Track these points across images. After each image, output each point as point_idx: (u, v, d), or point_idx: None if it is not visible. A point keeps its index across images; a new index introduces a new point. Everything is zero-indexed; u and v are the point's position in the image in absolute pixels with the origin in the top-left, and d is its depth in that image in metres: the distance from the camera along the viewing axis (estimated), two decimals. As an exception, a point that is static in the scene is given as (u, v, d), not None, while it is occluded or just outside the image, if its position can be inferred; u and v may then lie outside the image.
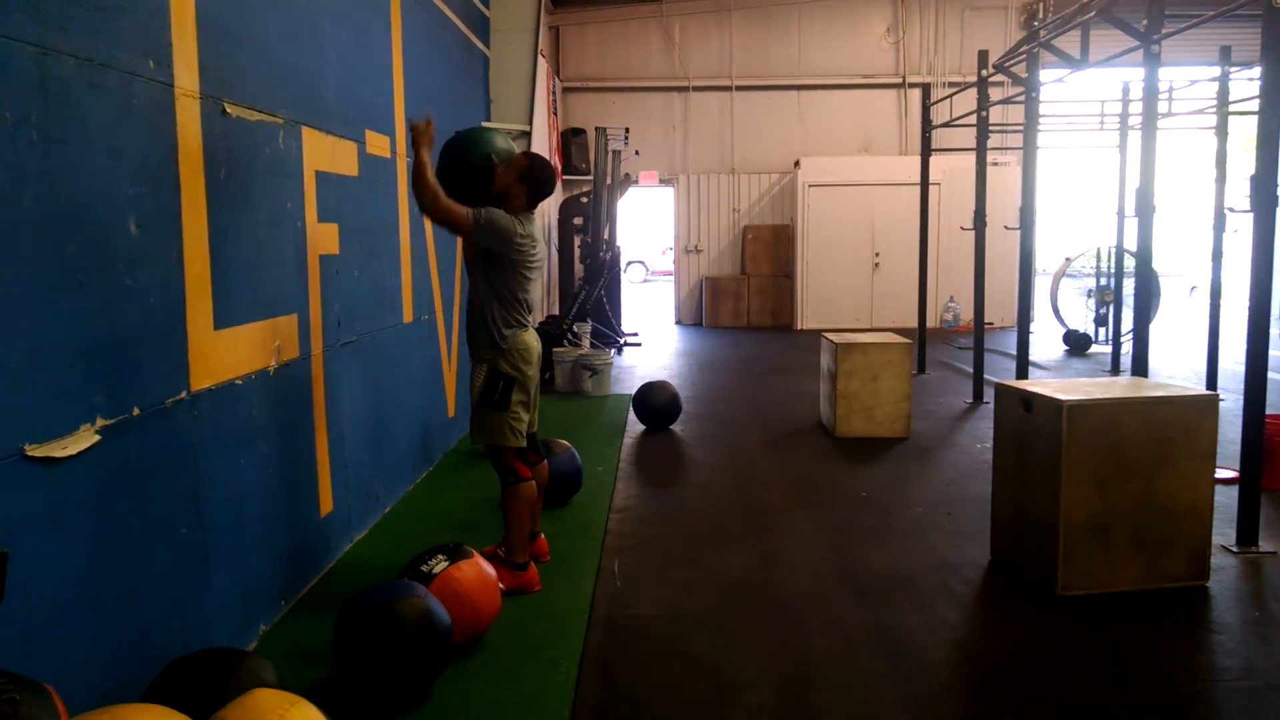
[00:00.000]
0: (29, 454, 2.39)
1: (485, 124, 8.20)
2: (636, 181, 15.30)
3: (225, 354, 3.46)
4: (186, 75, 3.19)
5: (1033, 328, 13.44)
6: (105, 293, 2.73)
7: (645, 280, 30.34)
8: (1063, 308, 13.38)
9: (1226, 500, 5.09)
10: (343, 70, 4.76)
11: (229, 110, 3.49)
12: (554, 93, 14.81)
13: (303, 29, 4.27)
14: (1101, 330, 12.32)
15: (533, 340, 4.29)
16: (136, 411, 2.87)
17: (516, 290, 4.19)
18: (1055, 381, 4.84)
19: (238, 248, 3.57)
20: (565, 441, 5.62)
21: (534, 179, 4.24)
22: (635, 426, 7.97)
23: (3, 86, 2.31)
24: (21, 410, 2.37)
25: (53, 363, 2.50)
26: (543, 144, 12.29)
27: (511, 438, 4.20)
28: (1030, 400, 4.38)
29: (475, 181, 4.21)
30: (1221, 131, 8.63)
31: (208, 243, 3.31)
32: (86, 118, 2.64)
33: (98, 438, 2.66)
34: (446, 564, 3.59)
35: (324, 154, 4.46)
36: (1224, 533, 4.84)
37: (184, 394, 3.16)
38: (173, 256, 3.11)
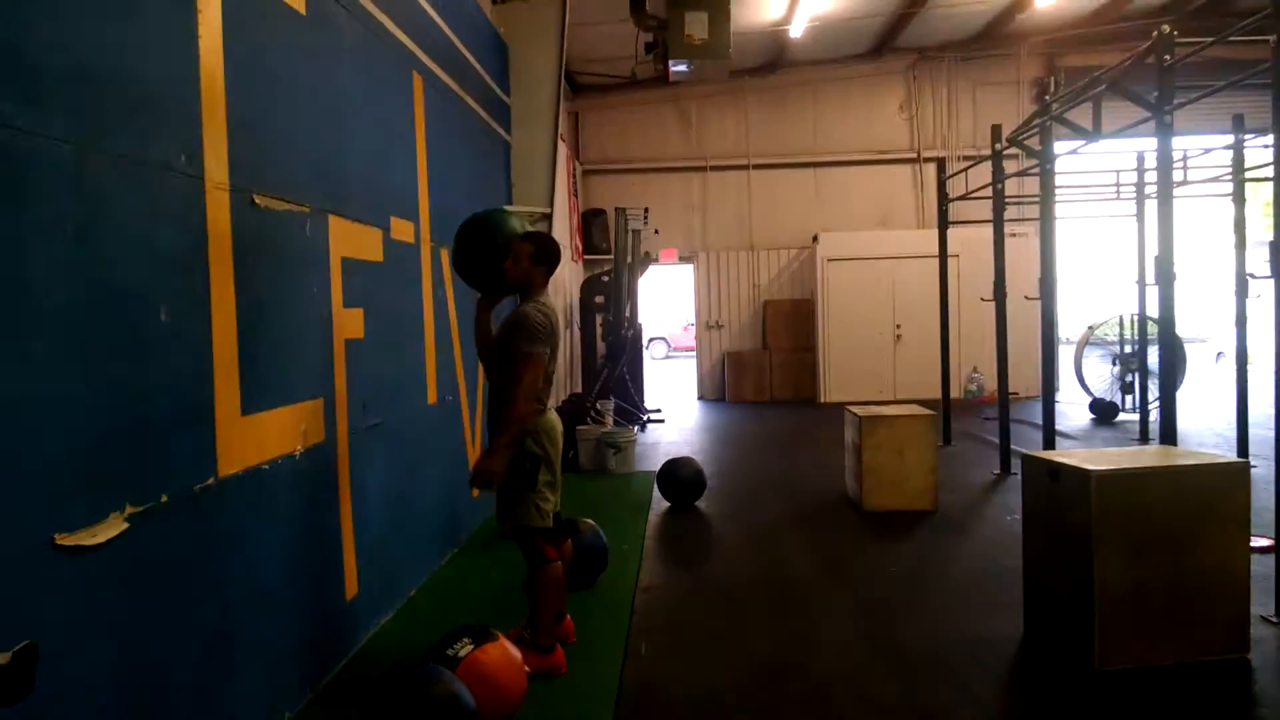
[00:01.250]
0: (59, 543, 2.41)
1: (506, 207, 8.35)
2: (657, 260, 15.47)
3: (252, 439, 3.49)
4: (217, 168, 3.28)
5: (1058, 397, 13.35)
6: (136, 381, 2.78)
7: (667, 356, 30.45)
8: (1088, 376, 13.29)
9: (1263, 569, 4.98)
10: (368, 158, 4.88)
11: (257, 201, 3.57)
12: (574, 175, 15.08)
13: (329, 120, 4.39)
14: (1128, 398, 12.22)
15: (556, 420, 4.33)
16: (165, 499, 2.89)
17: (543, 383, 4.25)
18: (1082, 451, 4.80)
19: (265, 334, 3.63)
20: (590, 520, 5.60)
21: (545, 257, 4.34)
22: (660, 503, 7.93)
23: (41, 184, 2.39)
24: (52, 498, 2.40)
25: (84, 451, 2.53)
26: (563, 225, 12.48)
27: (538, 518, 4.20)
28: (1058, 470, 4.34)
29: (496, 263, 4.31)
30: (1238, 198, 8.66)
31: (236, 329, 3.37)
32: (120, 212, 2.72)
33: (126, 525, 2.67)
34: (472, 647, 3.57)
35: (350, 241, 4.55)
36: (1263, 603, 4.73)
37: (212, 480, 3.19)
38: (202, 343, 3.17)
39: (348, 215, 4.53)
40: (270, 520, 3.65)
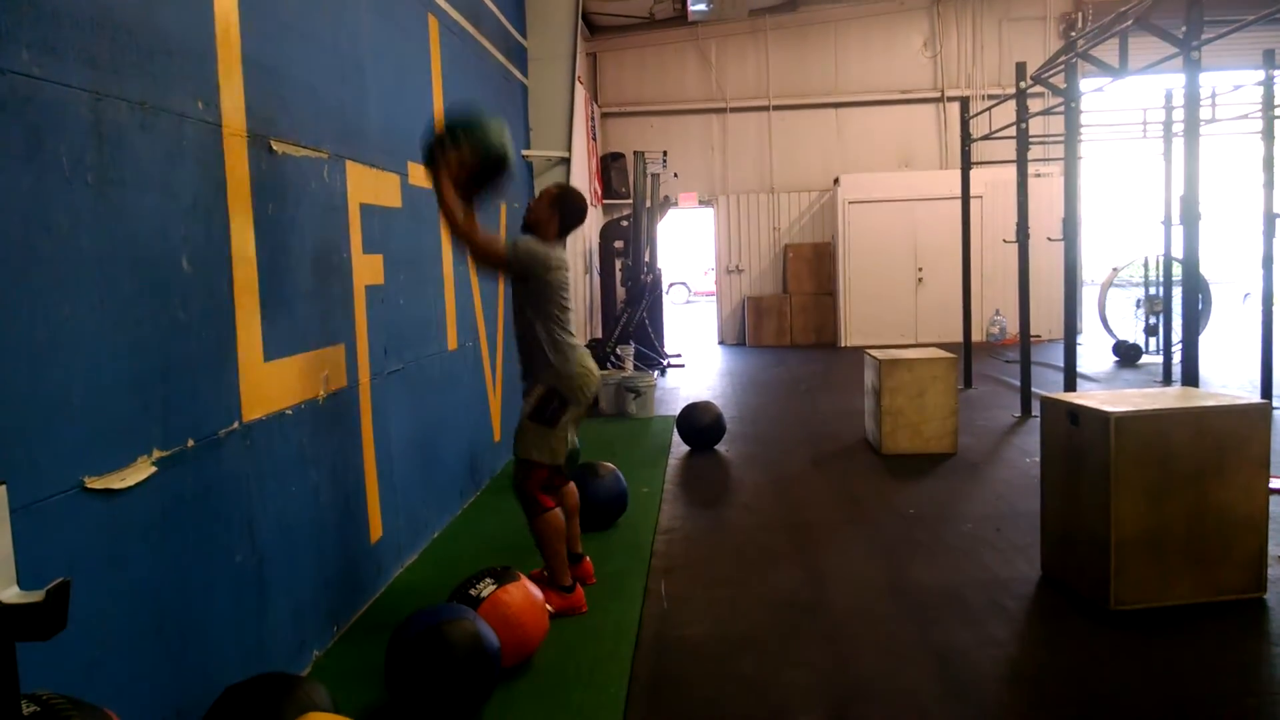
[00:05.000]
0: (88, 486, 2.46)
1: (525, 152, 8.31)
2: (676, 204, 15.37)
3: (275, 384, 3.53)
4: (234, 115, 3.28)
5: (1081, 339, 13.27)
6: (159, 328, 2.81)
7: (688, 301, 30.40)
8: (1111, 318, 13.19)
9: (1283, 510, 5.00)
10: (385, 103, 4.86)
11: (275, 147, 3.58)
12: (592, 118, 14.95)
13: (346, 65, 4.37)
14: (1152, 340, 12.13)
15: (592, 365, 4.35)
16: (191, 443, 2.95)
17: (559, 313, 4.26)
18: (1102, 393, 4.78)
19: (286, 280, 3.66)
20: (610, 464, 5.65)
21: (566, 208, 4.34)
22: (680, 448, 7.98)
23: (60, 132, 2.40)
24: (80, 443, 2.45)
25: (110, 397, 2.57)
26: (582, 170, 12.40)
27: (547, 455, 4.23)
28: (1077, 413, 4.34)
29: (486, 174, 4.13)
30: (1268, 135, 8.50)
31: (257, 276, 3.40)
32: (139, 159, 2.74)
33: (154, 469, 2.73)
34: (494, 587, 3.63)
35: (368, 187, 4.56)
36: (1281, 544, 4.75)
37: (236, 425, 3.24)
38: (223, 291, 3.20)
39: (365, 161, 4.53)
40: (295, 464, 3.71)
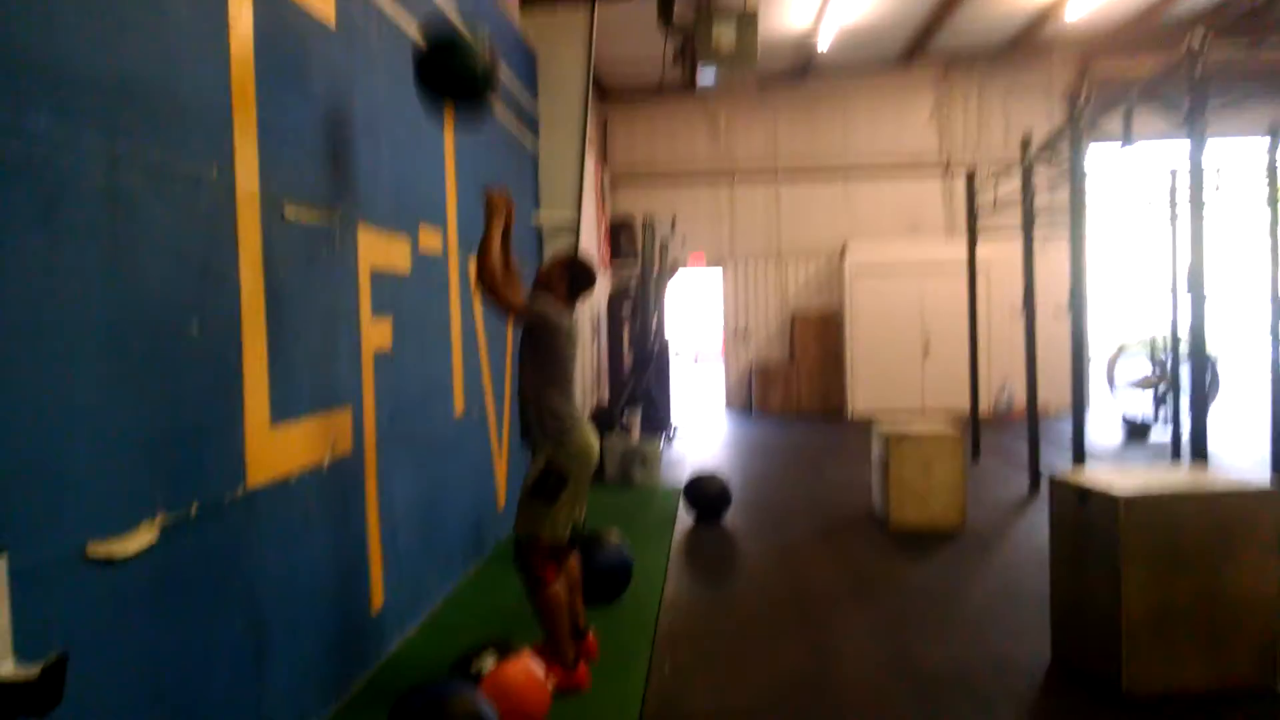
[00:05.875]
0: (91, 552, 2.42)
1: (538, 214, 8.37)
2: (685, 264, 15.43)
3: (281, 450, 3.50)
4: (248, 179, 3.30)
5: (1090, 413, 13.21)
6: (166, 392, 2.79)
7: (694, 365, 30.39)
8: (1120, 392, 13.13)
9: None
10: (397, 168, 4.90)
11: (288, 212, 3.59)
12: (602, 182, 15.10)
13: (359, 130, 4.41)
14: (1160, 414, 12.06)
15: (593, 439, 4.33)
16: (195, 509, 2.91)
17: (564, 382, 4.25)
18: (1110, 472, 4.73)
19: (295, 345, 3.64)
20: (615, 534, 5.58)
21: (576, 273, 4.38)
22: (685, 517, 7.90)
23: (74, 195, 2.41)
24: (84, 509, 2.42)
25: (115, 461, 2.55)
26: (591, 233, 12.49)
27: (549, 531, 4.17)
28: (1086, 493, 4.29)
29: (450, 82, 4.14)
30: (1273, 202, 8.51)
31: (266, 340, 3.39)
32: (152, 223, 2.74)
33: (157, 535, 2.69)
34: (496, 660, 3.56)
35: (378, 251, 4.57)
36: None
37: (240, 490, 3.20)
38: (232, 355, 3.18)
39: (376, 225, 4.55)
40: (299, 530, 3.66)
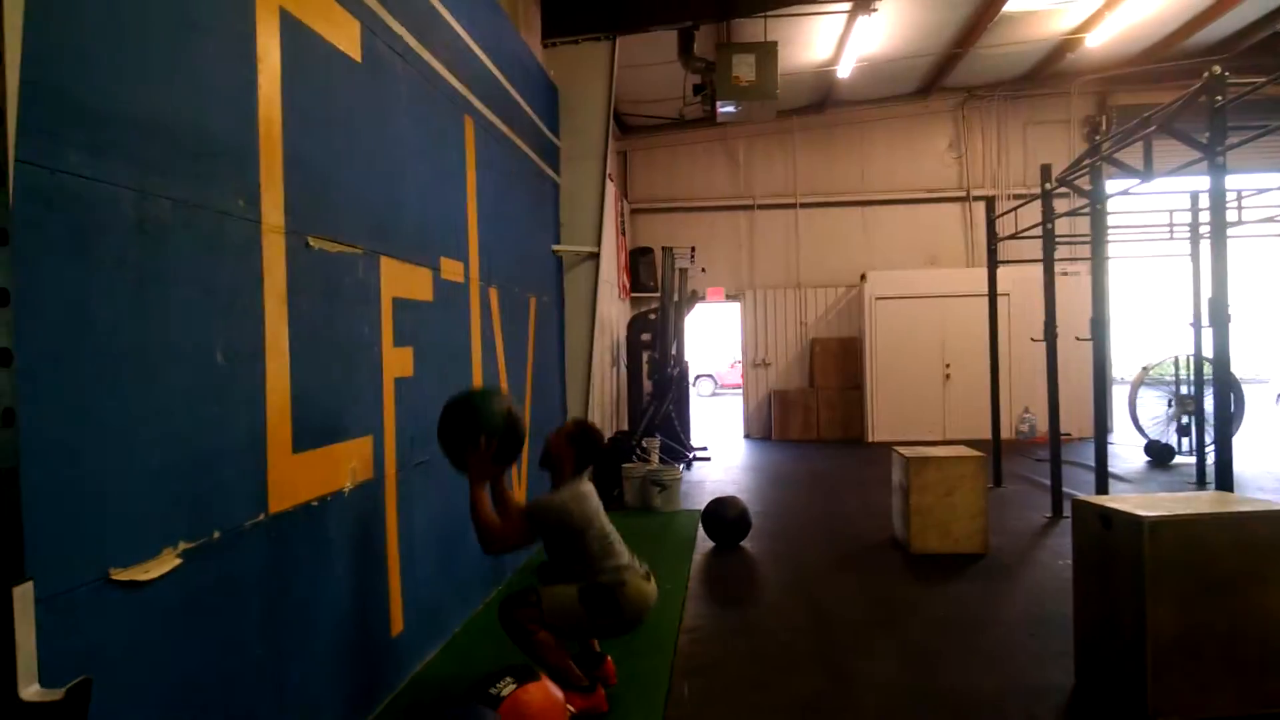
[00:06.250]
0: (114, 578, 2.47)
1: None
2: (703, 298, 15.50)
3: (303, 476, 3.55)
4: (273, 212, 3.37)
5: (1113, 439, 13.11)
6: (191, 419, 2.85)
7: (714, 394, 30.38)
8: (1143, 418, 13.04)
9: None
10: (420, 200, 4.97)
11: (312, 243, 3.66)
12: (622, 214, 15.21)
13: (383, 163, 4.49)
14: (1184, 441, 11.96)
15: (649, 589, 4.33)
16: (217, 535, 2.96)
17: (594, 544, 4.26)
18: (1135, 496, 4.72)
19: (317, 373, 3.70)
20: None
21: (583, 444, 4.44)
22: (704, 543, 7.89)
23: (105, 229, 2.48)
24: (107, 534, 2.47)
25: (140, 488, 2.60)
26: (611, 264, 12.57)
27: (539, 614, 4.17)
28: (1110, 517, 4.27)
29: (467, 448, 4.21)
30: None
31: (289, 369, 3.44)
32: (180, 256, 2.81)
33: (179, 561, 2.74)
34: (514, 686, 3.58)
35: (400, 281, 4.64)
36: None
37: (262, 516, 3.25)
38: (256, 384, 3.24)
39: (399, 256, 4.62)
40: (319, 556, 3.71)
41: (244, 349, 3.17)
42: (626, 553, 4.34)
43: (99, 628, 2.41)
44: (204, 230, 2.94)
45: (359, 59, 4.17)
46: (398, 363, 4.58)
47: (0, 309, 1.38)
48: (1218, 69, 5.57)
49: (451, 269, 5.47)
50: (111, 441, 2.49)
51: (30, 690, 1.42)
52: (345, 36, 4.03)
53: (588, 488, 4.39)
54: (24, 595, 1.43)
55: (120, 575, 2.49)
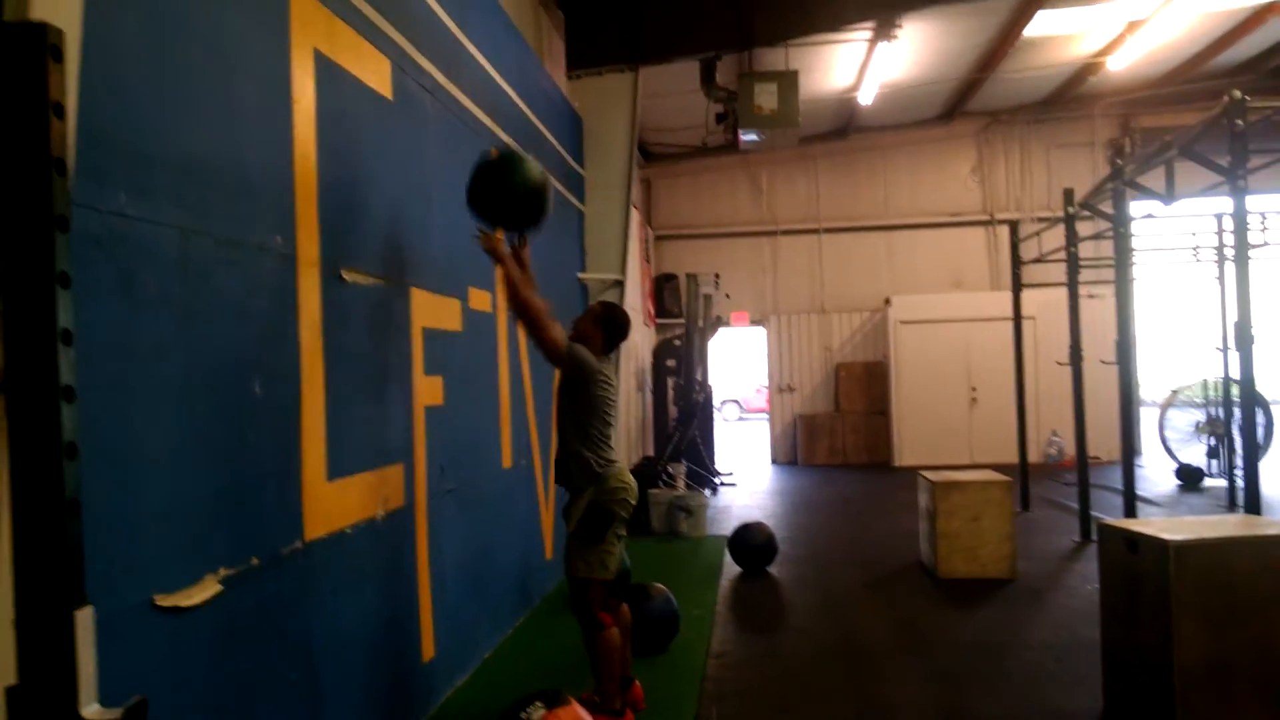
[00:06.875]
0: (158, 604, 2.55)
1: (580, 275, 8.54)
2: (727, 323, 15.55)
3: (337, 504, 3.63)
4: (308, 246, 3.47)
5: (1142, 462, 13.00)
6: (230, 449, 2.94)
7: (740, 419, 30.34)
8: (1172, 440, 12.93)
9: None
10: (448, 232, 5.07)
11: (345, 276, 3.76)
12: (646, 241, 15.32)
13: (412, 196, 4.60)
14: (1214, 463, 11.86)
15: (629, 478, 4.46)
16: (255, 561, 3.03)
17: (603, 427, 4.39)
18: (1161, 520, 4.72)
19: (350, 402, 3.79)
20: (661, 585, 5.64)
21: (610, 324, 4.55)
22: (731, 568, 7.91)
23: (150, 266, 2.57)
24: (152, 561, 2.55)
25: (182, 516, 2.68)
26: (635, 291, 12.66)
27: (600, 570, 4.30)
28: (1135, 540, 4.28)
29: (513, 210, 4.34)
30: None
31: (323, 398, 3.53)
32: (220, 290, 2.91)
33: (220, 587, 2.81)
34: (544, 711, 3.62)
35: (430, 311, 4.73)
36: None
37: (299, 543, 3.33)
38: (291, 413, 3.33)
39: (429, 287, 4.72)
40: (352, 583, 3.78)
41: (280, 379, 3.26)
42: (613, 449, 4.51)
43: (142, 652, 2.49)
44: (243, 266, 3.04)
45: (390, 96, 4.29)
46: (428, 391, 4.66)
47: (64, 348, 1.46)
48: (1238, 93, 5.60)
49: (479, 299, 5.57)
50: (156, 471, 2.57)
51: (90, 709, 1.50)
52: (376, 75, 4.14)
53: (612, 374, 4.50)
54: (85, 619, 1.50)
55: (164, 601, 2.57)
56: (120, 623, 2.39)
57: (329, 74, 3.67)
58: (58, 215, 1.45)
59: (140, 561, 2.50)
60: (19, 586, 1.49)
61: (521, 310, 4.24)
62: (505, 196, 4.25)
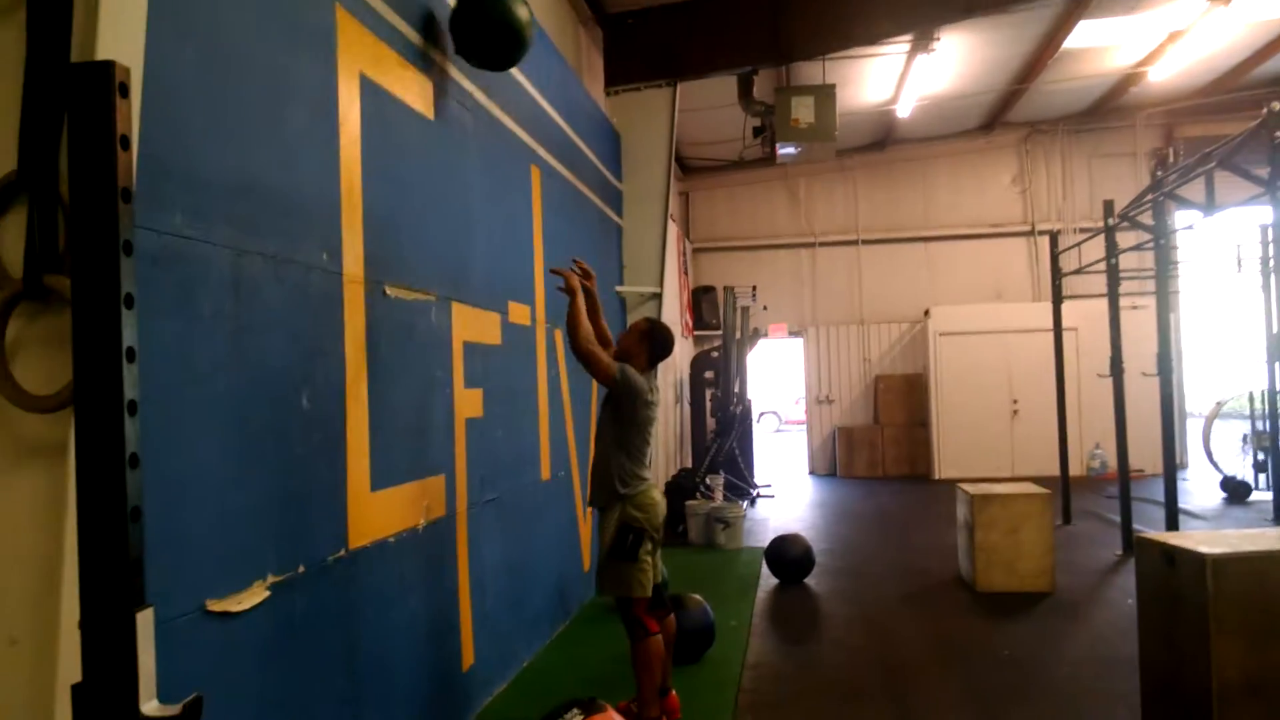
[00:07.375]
0: (209, 609, 2.65)
1: (619, 287, 8.62)
2: (765, 335, 15.56)
3: (380, 514, 3.73)
4: (353, 263, 3.58)
5: (1187, 474, 12.83)
6: (279, 460, 3.04)
7: (778, 430, 30.27)
8: (1218, 453, 12.74)
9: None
10: (489, 247, 5.18)
11: (389, 291, 3.87)
12: (684, 254, 15.38)
13: (454, 213, 4.70)
14: (1261, 476, 11.68)
15: (659, 498, 4.51)
16: (302, 569, 3.13)
17: (641, 445, 4.46)
18: (1200, 533, 4.68)
19: (394, 414, 3.89)
20: (698, 596, 5.69)
21: (655, 341, 4.60)
22: (768, 580, 7.93)
23: (204, 285, 2.69)
24: (204, 568, 2.65)
25: (232, 524, 2.79)
26: (674, 303, 12.73)
27: (638, 589, 4.35)
28: (1173, 554, 4.25)
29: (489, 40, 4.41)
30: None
31: (368, 411, 3.64)
32: (270, 307, 3.02)
33: (268, 593, 2.91)
34: (581, 718, 3.68)
35: (471, 325, 4.83)
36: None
37: (343, 551, 3.43)
38: (337, 425, 3.43)
39: (469, 301, 4.82)
40: (394, 591, 3.87)
41: (326, 392, 3.36)
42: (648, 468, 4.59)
43: (194, 656, 2.59)
44: (292, 283, 3.15)
45: (431, 116, 4.40)
46: (468, 404, 4.76)
47: (128, 365, 1.55)
48: (1277, 105, 5.57)
49: (519, 312, 5.67)
50: (209, 480, 2.68)
51: (150, 705, 1.59)
52: (419, 96, 4.26)
53: (655, 388, 4.59)
54: (145, 620, 1.60)
55: (215, 606, 2.67)
56: (173, 627, 2.50)
57: (373, 96, 3.79)
58: (124, 241, 1.54)
59: (193, 568, 2.60)
60: (84, 589, 1.58)
61: (580, 351, 4.37)
62: (486, 26, 4.34)
